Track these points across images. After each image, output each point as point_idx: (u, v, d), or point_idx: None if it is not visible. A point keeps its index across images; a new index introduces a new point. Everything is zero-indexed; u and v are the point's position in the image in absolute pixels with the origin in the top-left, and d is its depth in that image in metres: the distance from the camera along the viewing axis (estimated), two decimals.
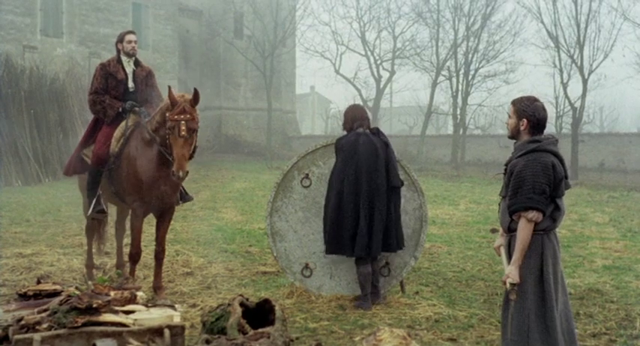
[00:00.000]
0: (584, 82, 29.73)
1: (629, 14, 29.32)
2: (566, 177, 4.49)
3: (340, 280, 7.42)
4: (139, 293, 4.63)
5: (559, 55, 30.56)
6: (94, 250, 8.38)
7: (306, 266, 7.44)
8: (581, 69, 29.67)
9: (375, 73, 41.13)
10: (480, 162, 35.20)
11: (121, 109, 7.36)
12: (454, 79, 35.75)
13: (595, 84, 32.40)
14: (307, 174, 7.47)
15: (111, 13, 31.64)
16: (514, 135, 4.66)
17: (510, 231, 4.62)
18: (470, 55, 35.00)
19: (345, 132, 7.27)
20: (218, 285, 7.98)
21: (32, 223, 12.81)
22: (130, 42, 7.53)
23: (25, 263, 8.82)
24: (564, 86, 30.61)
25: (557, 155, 4.45)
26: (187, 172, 6.42)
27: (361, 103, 41.55)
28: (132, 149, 7.09)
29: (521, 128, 4.56)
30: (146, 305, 4.38)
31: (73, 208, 15.03)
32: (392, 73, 41.80)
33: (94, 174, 7.33)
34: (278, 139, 42.91)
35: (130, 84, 7.55)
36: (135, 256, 7.25)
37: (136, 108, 7.34)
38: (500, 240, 4.84)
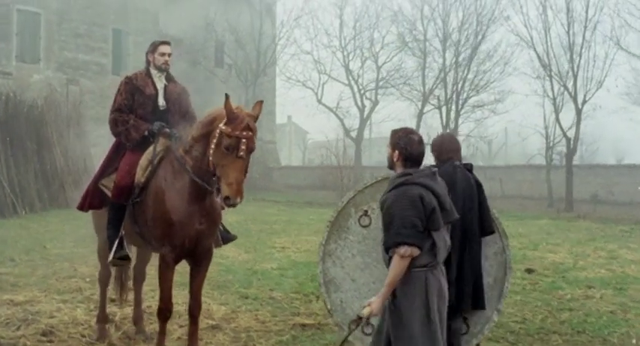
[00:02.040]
0: (578, 112, 29.14)
1: (623, 44, 28.66)
2: (443, 209, 4.35)
3: None
4: None
5: (552, 85, 30.04)
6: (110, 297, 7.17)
7: (367, 322, 6.26)
8: (575, 99, 29.09)
9: (359, 103, 40.35)
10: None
11: (147, 132, 6.10)
12: (444, 109, 35.00)
13: (584, 115, 31.86)
14: (366, 211, 6.31)
15: (91, 39, 30.51)
16: (391, 165, 4.59)
17: None
18: (459, 85, 34.34)
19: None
20: (255, 343, 6.78)
21: (18, 263, 11.42)
22: (163, 54, 6.33)
23: (20, 314, 7.53)
24: (557, 116, 30.04)
25: (427, 186, 4.30)
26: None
27: (342, 134, 40.76)
28: (160, 180, 5.84)
29: (394, 160, 4.51)
30: None
31: (59, 244, 13.79)
32: (375, 103, 41.11)
33: (115, 210, 6.03)
34: (259, 170, 41.68)
35: (161, 101, 6.31)
36: (165, 312, 5.92)
37: (167, 130, 6.08)
38: None
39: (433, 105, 35.90)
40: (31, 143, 23.06)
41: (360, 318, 4.39)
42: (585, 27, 28.92)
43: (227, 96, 5.29)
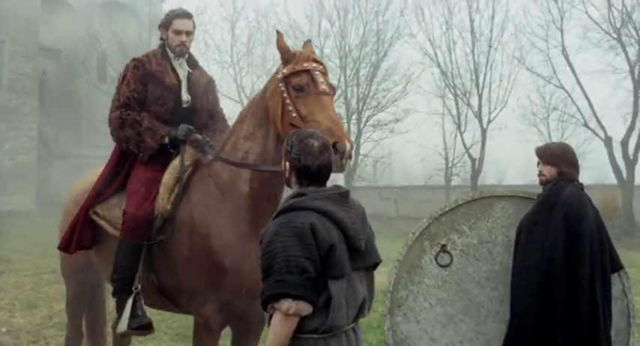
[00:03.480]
0: (483, 131, 28.93)
1: (526, 63, 28.66)
2: (351, 247, 2.92)
3: None
4: None
5: (456, 104, 29.72)
6: None
7: None
8: (479, 118, 28.88)
9: None
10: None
11: (167, 139, 4.29)
12: (345, 126, 33.98)
13: (488, 135, 31.68)
14: (444, 247, 4.75)
15: None
16: (287, 182, 3.20)
17: None
18: (360, 104, 33.41)
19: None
20: None
21: None
22: (179, 32, 4.47)
23: None
24: (462, 135, 29.77)
25: (326, 213, 2.90)
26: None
27: None
28: (198, 206, 4.06)
29: (286, 175, 3.13)
30: None
31: None
32: None
33: (127, 253, 4.09)
34: None
35: (184, 95, 4.49)
36: None
37: (197, 137, 4.31)
38: None
39: None
40: None
41: None
42: (490, 46, 28.85)
43: (279, 33, 3.88)
